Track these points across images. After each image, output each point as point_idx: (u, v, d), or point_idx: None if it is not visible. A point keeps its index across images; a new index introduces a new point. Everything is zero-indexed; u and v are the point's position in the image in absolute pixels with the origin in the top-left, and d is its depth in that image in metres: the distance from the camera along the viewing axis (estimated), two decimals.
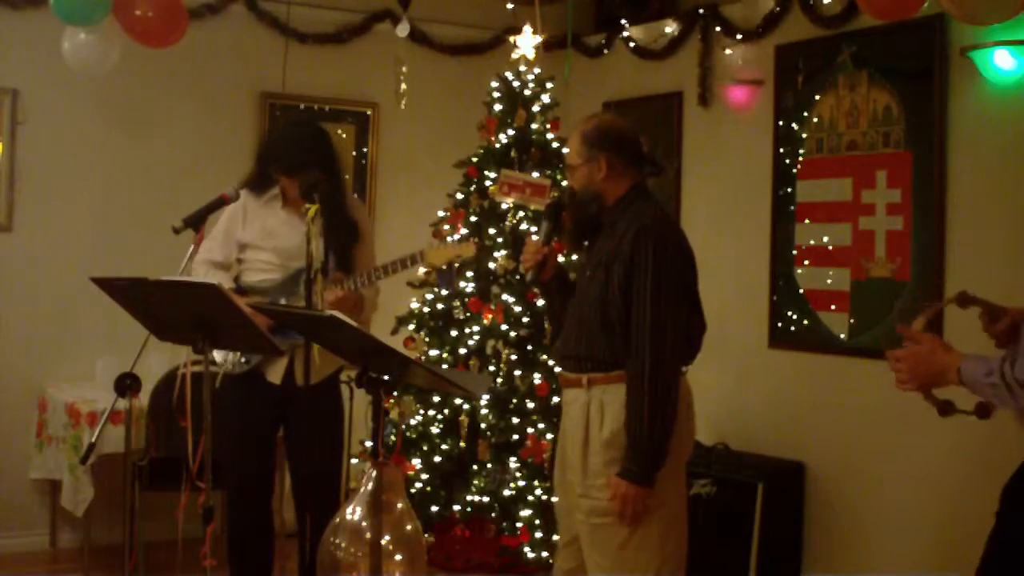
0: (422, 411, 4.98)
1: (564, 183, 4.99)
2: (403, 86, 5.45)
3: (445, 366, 4.88)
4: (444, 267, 4.07)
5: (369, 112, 6.06)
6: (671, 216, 4.52)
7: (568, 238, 3.28)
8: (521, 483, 4.78)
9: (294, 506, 4.04)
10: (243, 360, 3.84)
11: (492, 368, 4.91)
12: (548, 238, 3.23)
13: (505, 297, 4.93)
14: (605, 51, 6.17)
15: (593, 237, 3.16)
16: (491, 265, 4.98)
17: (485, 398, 4.81)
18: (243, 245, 3.93)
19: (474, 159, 5.16)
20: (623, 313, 2.96)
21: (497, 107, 5.17)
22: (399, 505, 2.84)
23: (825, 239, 4.89)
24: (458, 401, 4.91)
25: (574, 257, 4.60)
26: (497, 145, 5.11)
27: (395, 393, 4.68)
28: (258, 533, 3.97)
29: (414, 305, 5.08)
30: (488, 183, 5.04)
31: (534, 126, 5.11)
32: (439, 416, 4.99)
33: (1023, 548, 2.50)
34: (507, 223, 5.03)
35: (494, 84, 5.22)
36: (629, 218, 3.04)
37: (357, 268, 3.97)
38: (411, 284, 5.07)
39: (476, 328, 4.93)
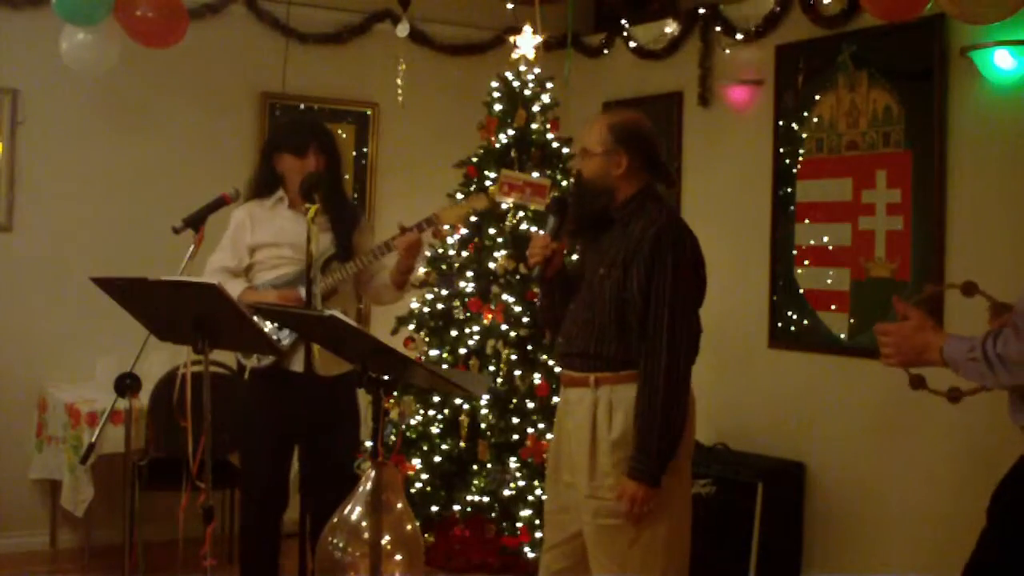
0: (422, 411, 4.98)
1: (567, 179, 5.01)
2: (399, 82, 5.45)
3: (445, 366, 4.88)
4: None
5: (369, 112, 6.06)
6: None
7: (570, 229, 3.22)
8: (521, 483, 4.78)
9: (297, 505, 4.03)
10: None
11: (492, 368, 4.91)
12: (555, 234, 3.20)
13: (505, 297, 4.93)
14: (605, 51, 6.17)
15: (599, 234, 3.14)
16: (491, 265, 4.98)
17: (485, 398, 4.81)
18: (254, 249, 3.95)
19: (474, 159, 5.16)
20: (642, 313, 2.96)
21: (497, 107, 5.17)
22: (398, 505, 2.84)
23: (825, 239, 4.89)
24: (458, 401, 4.91)
25: (574, 256, 4.59)
26: (497, 145, 5.11)
27: (395, 393, 4.68)
28: (271, 535, 3.96)
29: (414, 305, 5.08)
30: (488, 183, 5.04)
31: (534, 126, 5.11)
32: (439, 416, 4.99)
33: (1012, 548, 2.50)
34: (507, 223, 5.03)
35: (494, 84, 5.22)
36: (645, 218, 3.05)
37: (360, 252, 4.02)
38: (411, 284, 5.06)
39: (476, 328, 4.93)
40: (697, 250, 3.08)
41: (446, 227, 4.71)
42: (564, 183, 5.01)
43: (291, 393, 3.81)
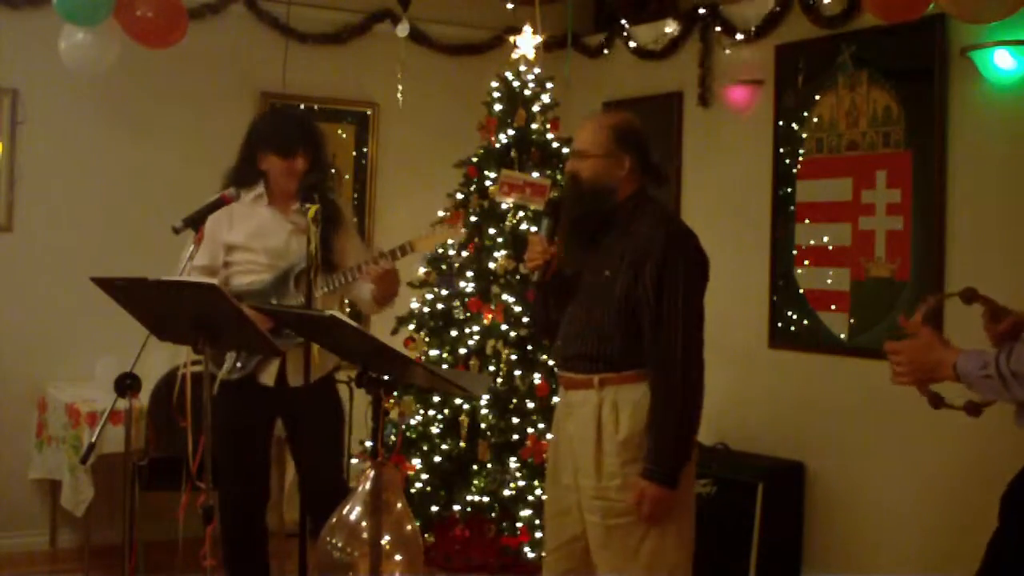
0: (422, 411, 4.99)
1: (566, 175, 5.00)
2: (399, 79, 5.45)
3: (445, 366, 4.89)
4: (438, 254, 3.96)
5: (369, 112, 6.06)
6: None
7: (570, 230, 3.18)
8: (521, 483, 4.78)
9: (297, 505, 4.03)
10: (238, 365, 3.81)
11: (492, 368, 4.91)
12: (551, 235, 3.19)
13: (505, 297, 4.93)
14: (605, 51, 6.17)
15: (597, 236, 3.14)
16: (491, 265, 4.98)
17: (485, 398, 4.81)
18: (231, 247, 3.87)
19: (474, 159, 5.16)
20: (654, 314, 2.96)
21: (497, 107, 5.17)
22: (398, 505, 2.84)
23: (825, 239, 4.89)
24: (458, 401, 4.91)
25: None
26: (497, 145, 5.11)
27: (395, 393, 4.68)
28: (255, 536, 3.95)
29: (414, 305, 5.08)
30: (488, 183, 5.04)
31: (534, 126, 5.11)
32: (439, 416, 4.99)
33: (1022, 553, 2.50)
34: (507, 223, 5.03)
35: (494, 84, 5.22)
36: (649, 219, 3.05)
37: (344, 256, 3.92)
38: (411, 284, 5.07)
39: (476, 328, 4.93)
40: (703, 252, 3.10)
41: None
42: (564, 183, 5.01)
43: (260, 404, 3.80)
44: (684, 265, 2.98)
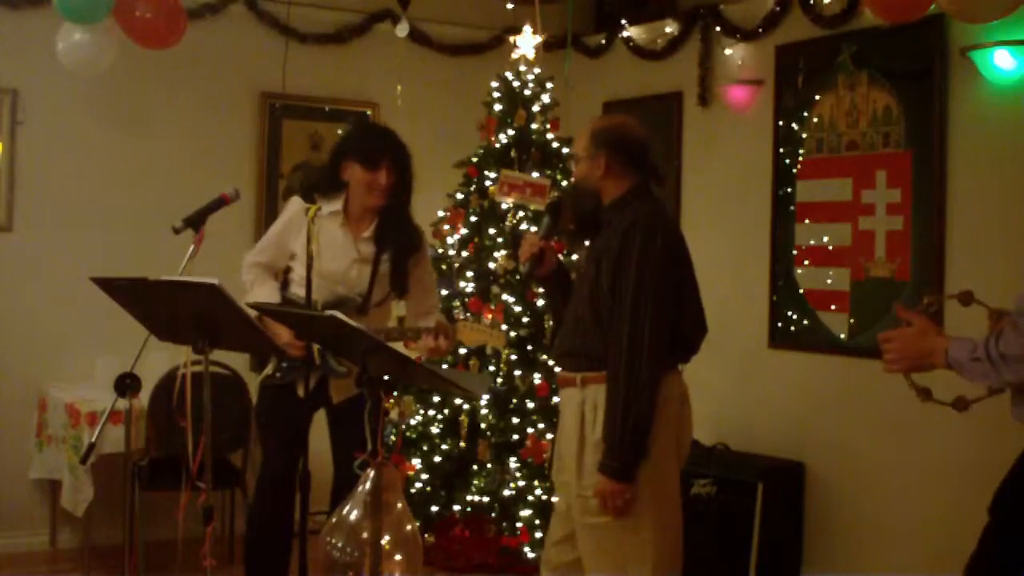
0: (422, 411, 4.99)
1: (567, 180, 5.03)
2: (398, 83, 5.45)
3: (445, 366, 4.89)
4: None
5: (369, 112, 6.05)
6: (670, 215, 4.54)
7: (567, 232, 3.33)
8: (521, 483, 4.78)
9: (297, 504, 4.02)
10: (277, 375, 3.80)
11: (492, 368, 4.91)
12: (548, 233, 3.26)
13: (505, 297, 4.93)
14: (605, 51, 6.17)
15: (593, 235, 3.19)
16: (491, 265, 4.98)
17: (485, 398, 4.81)
18: (293, 256, 3.84)
19: (474, 159, 5.16)
20: (608, 308, 3.00)
21: (497, 107, 5.17)
22: (398, 505, 2.84)
23: (825, 239, 4.89)
24: (458, 401, 4.91)
25: (574, 257, 4.60)
26: (497, 145, 5.12)
27: (395, 393, 4.68)
28: (281, 531, 3.89)
29: None
30: (488, 183, 5.04)
31: (534, 126, 5.11)
32: (439, 416, 4.99)
33: (1015, 545, 2.51)
34: (507, 223, 5.03)
35: (494, 84, 5.22)
36: (625, 216, 3.07)
37: (411, 288, 3.87)
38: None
39: None
40: (671, 243, 3.06)
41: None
42: (564, 183, 5.02)
43: (302, 404, 3.79)
44: (637, 258, 2.96)
